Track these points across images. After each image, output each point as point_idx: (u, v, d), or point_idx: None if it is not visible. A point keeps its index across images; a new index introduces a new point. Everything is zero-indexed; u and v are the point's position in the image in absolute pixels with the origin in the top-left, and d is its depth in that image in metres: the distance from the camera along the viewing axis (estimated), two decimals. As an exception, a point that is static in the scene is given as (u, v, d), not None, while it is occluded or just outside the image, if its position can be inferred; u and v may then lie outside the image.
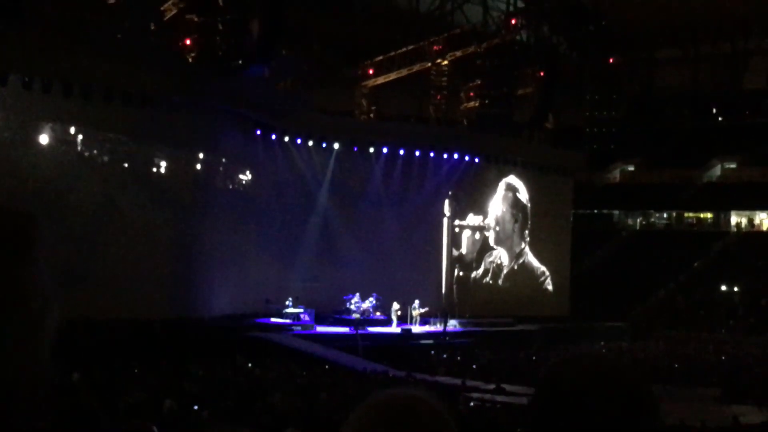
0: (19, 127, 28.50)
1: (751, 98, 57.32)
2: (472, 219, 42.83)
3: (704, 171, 55.44)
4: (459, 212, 42.08)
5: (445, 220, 41.71)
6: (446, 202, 41.49)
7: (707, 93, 58.38)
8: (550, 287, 46.25)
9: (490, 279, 43.89)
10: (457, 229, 42.48)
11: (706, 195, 53.48)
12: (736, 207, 52.88)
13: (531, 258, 45.66)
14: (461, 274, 42.36)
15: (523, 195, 45.14)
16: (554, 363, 1.65)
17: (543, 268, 46.07)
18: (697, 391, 26.35)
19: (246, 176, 35.29)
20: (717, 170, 55.69)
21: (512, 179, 44.65)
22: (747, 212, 52.84)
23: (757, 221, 52.94)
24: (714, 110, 58.93)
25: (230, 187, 34.70)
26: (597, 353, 1.71)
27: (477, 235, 43.24)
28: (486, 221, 43.53)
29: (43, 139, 29.01)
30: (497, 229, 44.08)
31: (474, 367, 28.80)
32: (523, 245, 45.36)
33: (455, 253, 42.45)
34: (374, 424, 1.47)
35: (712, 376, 28.38)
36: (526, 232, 45.48)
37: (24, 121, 28.57)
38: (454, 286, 41.86)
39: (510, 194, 44.59)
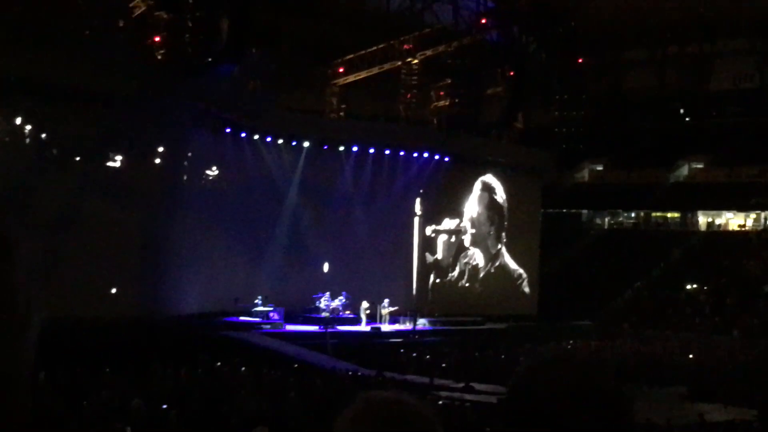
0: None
1: (718, 100, 57.89)
2: (448, 223, 42.82)
3: (671, 171, 55.96)
4: (431, 211, 42.07)
5: (416, 219, 41.69)
6: (417, 201, 41.48)
7: (674, 94, 58.89)
8: (527, 289, 46.33)
9: (466, 281, 43.82)
10: (432, 234, 42.43)
11: (674, 195, 53.98)
12: (703, 207, 53.45)
13: (508, 259, 45.69)
14: (437, 281, 42.24)
15: (500, 195, 45.23)
16: (526, 367, 1.63)
17: (520, 270, 46.11)
18: (663, 389, 26.60)
19: (215, 175, 35.09)
20: (684, 170, 56.23)
21: (489, 178, 44.73)
22: (713, 212, 53.41)
23: (722, 221, 53.50)
24: (681, 111, 59.45)
25: (199, 185, 34.48)
26: (569, 356, 1.66)
27: (453, 239, 43.23)
28: (462, 224, 43.55)
29: (8, 137, 28.67)
30: (473, 230, 44.09)
31: (443, 365, 28.85)
32: (499, 246, 45.38)
33: (430, 258, 42.33)
34: (363, 427, 1.45)
35: (679, 375, 28.64)
36: (503, 233, 45.52)
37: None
38: (429, 288, 41.83)
39: (486, 194, 44.67)
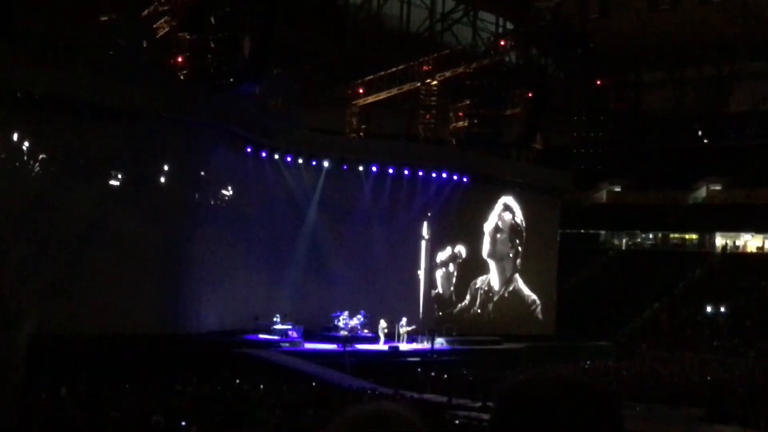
0: (8, 141, 28.59)
1: (736, 121, 57.92)
2: (441, 255, 42.42)
3: (690, 192, 55.91)
4: (447, 232, 42.11)
5: (423, 243, 41.66)
6: (424, 224, 41.49)
7: (693, 115, 58.96)
8: (540, 316, 46.08)
9: (479, 308, 43.60)
10: (441, 259, 42.08)
11: (692, 216, 53.90)
12: (721, 228, 53.30)
13: (521, 285, 45.31)
14: (440, 313, 41.79)
15: (518, 216, 45.11)
16: (515, 382, 1.65)
17: (534, 296, 45.83)
18: (681, 411, 26.55)
19: (236, 193, 35.38)
20: (702, 192, 56.17)
21: (507, 199, 44.64)
22: (731, 234, 53.27)
23: (740, 243, 53.33)
24: (699, 132, 59.47)
25: (220, 203, 34.78)
26: (559, 371, 1.72)
27: (451, 268, 42.95)
28: (477, 245, 43.41)
29: (33, 153, 29.06)
30: (490, 250, 43.95)
31: (460, 385, 28.90)
32: (514, 269, 45.14)
33: (433, 293, 42.13)
34: None
35: (697, 396, 28.55)
36: (519, 255, 45.22)
37: (13, 135, 28.66)
38: (436, 308, 41.70)
39: (504, 214, 44.60)
